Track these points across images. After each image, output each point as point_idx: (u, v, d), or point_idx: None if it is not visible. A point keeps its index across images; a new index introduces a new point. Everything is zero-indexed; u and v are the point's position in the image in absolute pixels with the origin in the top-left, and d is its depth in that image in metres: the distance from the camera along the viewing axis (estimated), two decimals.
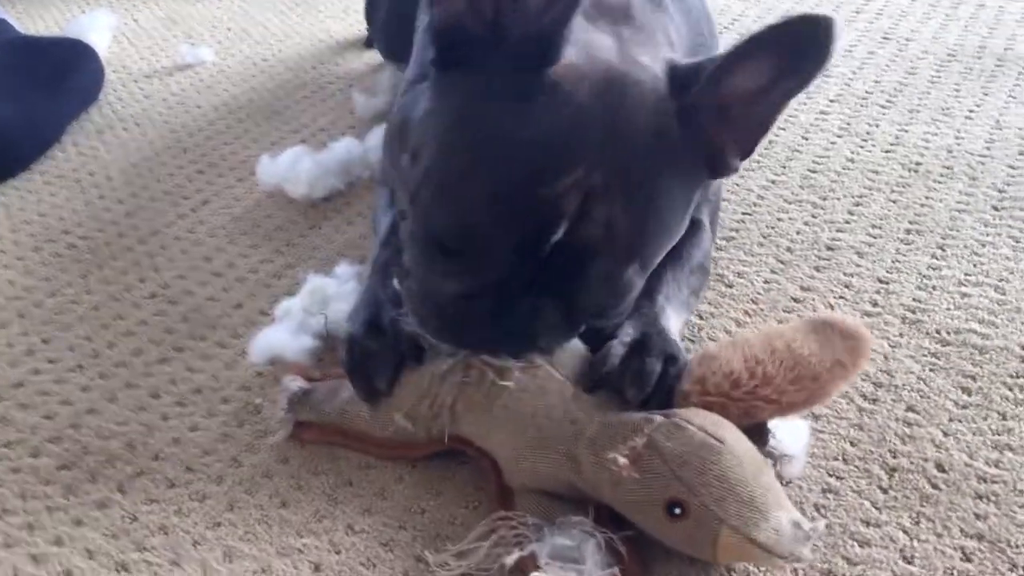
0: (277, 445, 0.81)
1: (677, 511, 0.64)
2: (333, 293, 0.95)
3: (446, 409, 0.75)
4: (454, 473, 0.77)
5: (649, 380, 0.71)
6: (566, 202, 0.68)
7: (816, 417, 0.79)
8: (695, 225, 0.89)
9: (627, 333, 0.76)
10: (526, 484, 0.72)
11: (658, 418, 0.68)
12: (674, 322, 0.82)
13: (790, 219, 1.07)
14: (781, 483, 0.69)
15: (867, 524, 0.69)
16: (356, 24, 1.71)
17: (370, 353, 0.78)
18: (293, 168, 1.20)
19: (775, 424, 0.71)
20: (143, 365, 0.91)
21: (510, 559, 0.66)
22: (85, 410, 0.86)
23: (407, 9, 1.18)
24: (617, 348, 0.74)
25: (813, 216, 1.07)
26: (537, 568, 0.65)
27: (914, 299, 0.93)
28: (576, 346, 0.76)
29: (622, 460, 0.65)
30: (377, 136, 1.26)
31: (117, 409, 0.86)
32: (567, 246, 0.69)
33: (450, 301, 0.72)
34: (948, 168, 1.15)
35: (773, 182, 1.15)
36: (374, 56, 1.59)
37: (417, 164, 0.74)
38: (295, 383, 0.82)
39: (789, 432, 0.73)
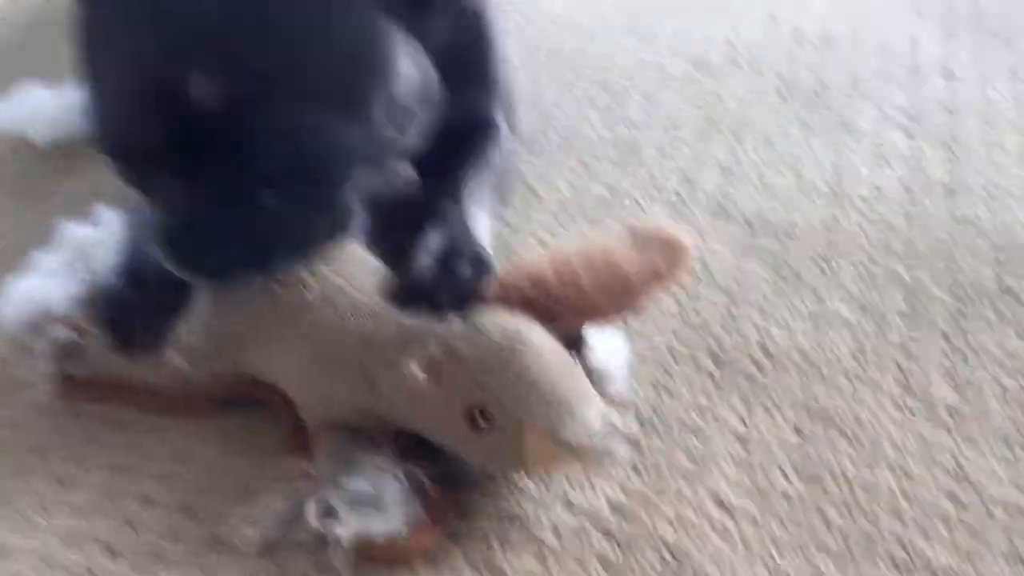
0: (50, 418, 0.70)
1: (480, 421, 0.58)
2: (96, 241, 0.83)
3: (231, 342, 0.66)
4: (258, 425, 0.68)
5: (466, 288, 0.64)
6: (183, 55, 0.59)
7: (641, 320, 0.76)
8: (488, 125, 0.85)
9: (431, 240, 0.69)
10: (323, 418, 0.64)
11: (456, 323, 0.61)
12: (481, 224, 0.75)
13: (589, 122, 1.04)
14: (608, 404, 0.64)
15: (701, 413, 0.67)
16: None
17: (127, 303, 0.69)
18: (31, 109, 1.04)
19: (593, 342, 0.67)
20: None
21: (310, 517, 0.58)
22: None
23: None
24: (425, 257, 0.68)
25: (610, 117, 1.04)
26: (330, 524, 0.58)
27: (716, 188, 0.92)
28: (366, 259, 0.69)
29: (418, 371, 0.59)
30: None
31: None
32: (221, 105, 0.59)
33: (158, 226, 0.64)
34: (732, 61, 1.15)
35: (567, 86, 1.11)
36: None
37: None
38: (58, 332, 0.71)
39: (607, 349, 0.69)
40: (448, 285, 0.65)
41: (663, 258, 0.65)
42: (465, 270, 0.66)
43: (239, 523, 0.60)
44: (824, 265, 0.81)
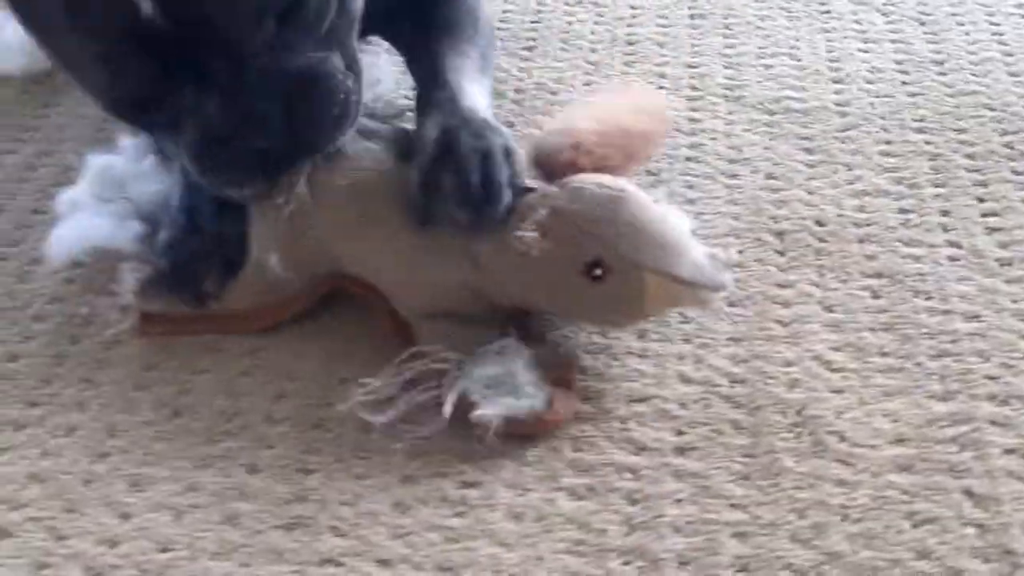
0: (133, 352, 0.68)
1: (597, 272, 0.61)
2: (126, 172, 0.80)
3: (319, 244, 0.66)
4: (348, 328, 0.69)
5: (501, 193, 0.62)
6: None
7: (691, 201, 0.79)
8: None
9: (428, 139, 0.65)
10: (424, 306, 0.65)
11: (552, 188, 0.64)
12: (480, 99, 0.73)
13: (580, 20, 1.04)
14: None
15: (781, 286, 0.71)
16: None
17: (195, 255, 0.68)
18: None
19: None
20: None
21: (447, 404, 0.60)
22: None
23: None
24: (425, 170, 0.64)
25: (600, 15, 1.06)
26: (473, 406, 0.59)
27: (726, 78, 0.95)
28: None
29: (530, 234, 0.61)
30: None
31: None
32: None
33: (192, 146, 0.64)
34: None
35: None
36: None
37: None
38: (135, 272, 0.69)
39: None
40: (489, 191, 0.63)
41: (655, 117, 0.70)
42: (501, 173, 0.63)
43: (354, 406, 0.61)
44: (849, 142, 0.85)
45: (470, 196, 0.62)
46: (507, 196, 0.62)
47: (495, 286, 0.63)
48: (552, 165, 0.65)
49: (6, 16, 1.00)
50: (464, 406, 0.60)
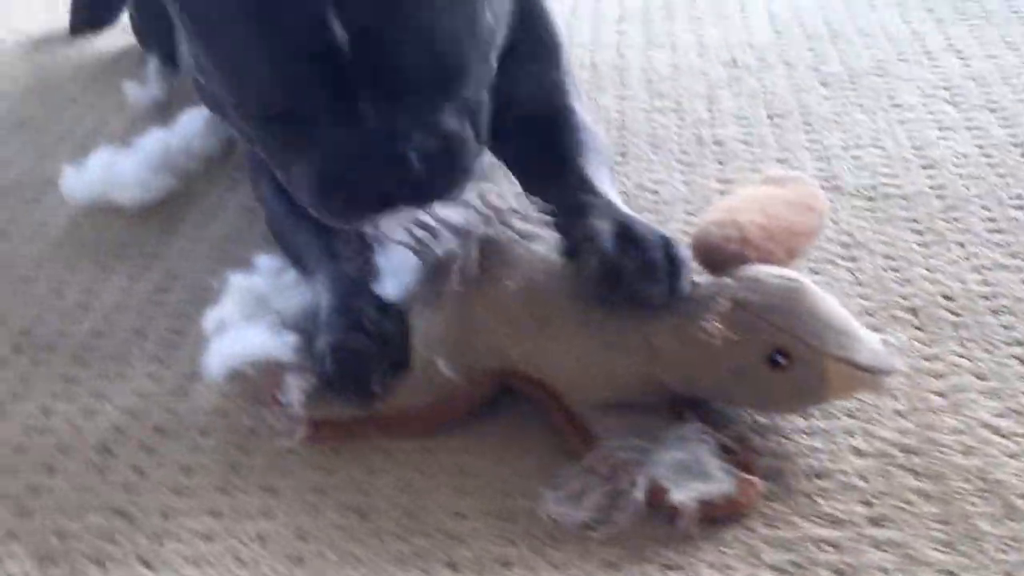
0: (306, 459, 0.69)
1: (780, 361, 0.63)
2: (267, 288, 0.82)
3: (488, 339, 0.68)
4: (515, 425, 0.70)
5: (684, 268, 0.66)
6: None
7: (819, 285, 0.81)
8: (568, 112, 0.88)
9: (601, 231, 0.68)
10: (600, 398, 0.66)
11: (728, 280, 0.66)
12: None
13: (663, 126, 1.09)
14: None
15: (928, 359, 0.73)
16: (47, 18, 1.50)
17: (360, 356, 0.70)
18: (111, 173, 1.02)
19: None
20: (64, 428, 0.74)
21: (639, 491, 0.61)
22: (50, 498, 0.68)
23: None
24: (607, 252, 0.66)
25: (681, 119, 1.11)
26: (664, 492, 0.61)
27: (817, 170, 0.99)
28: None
29: (714, 325, 0.63)
30: (190, 119, 1.11)
31: (78, 495, 0.68)
32: (356, 33, 0.64)
33: (323, 171, 0.69)
34: (760, 60, 1.23)
35: (623, 97, 1.17)
36: (88, 47, 1.42)
37: (205, 76, 0.72)
38: (301, 381, 0.70)
39: None
40: (661, 270, 0.66)
41: (814, 213, 0.73)
42: (660, 255, 0.66)
43: (556, 509, 0.62)
44: (955, 222, 0.88)
45: (657, 270, 0.64)
46: (690, 272, 0.65)
47: (674, 376, 0.65)
48: (717, 257, 0.67)
49: (112, 154, 1.05)
50: (655, 493, 0.61)
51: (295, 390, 0.70)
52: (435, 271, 0.70)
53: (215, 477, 0.68)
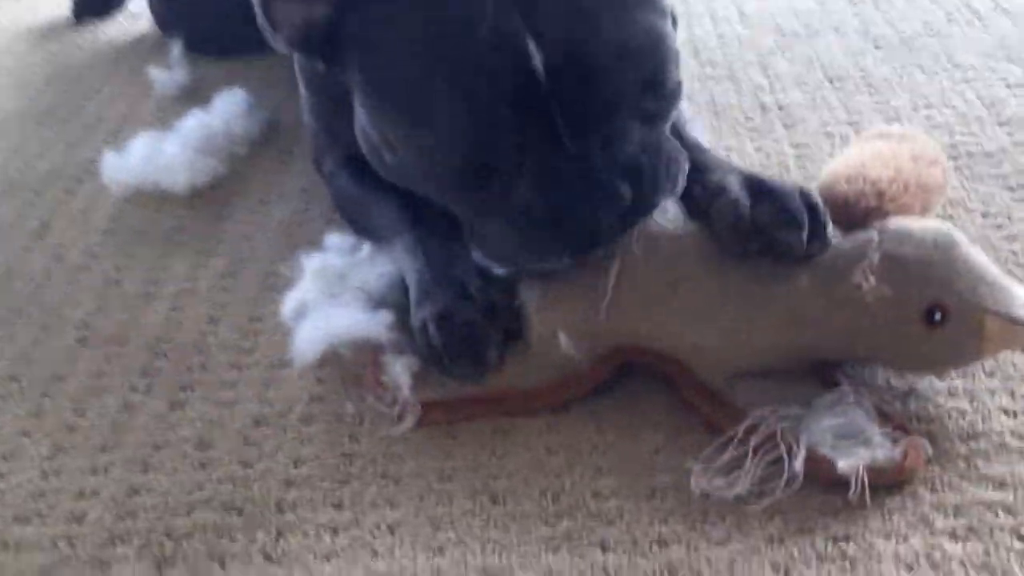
0: (421, 443, 0.65)
1: (937, 316, 0.59)
2: (344, 265, 0.77)
3: (614, 313, 0.64)
4: (624, 405, 0.66)
5: (816, 221, 0.63)
6: (505, 26, 0.60)
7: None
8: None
9: (732, 183, 0.65)
10: (740, 367, 0.63)
11: (874, 233, 0.63)
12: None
13: (722, 93, 1.06)
14: None
15: None
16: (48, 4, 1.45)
17: (473, 325, 0.65)
18: (156, 159, 0.97)
19: None
20: (152, 423, 0.69)
21: (798, 461, 0.58)
22: (150, 497, 0.64)
23: None
24: (742, 201, 0.63)
25: (738, 87, 1.07)
26: (829, 462, 0.58)
27: None
28: (677, 214, 0.67)
29: (868, 281, 0.60)
30: (227, 101, 1.06)
31: (182, 492, 0.64)
32: (555, 58, 0.60)
33: (533, 216, 0.63)
34: (807, 27, 1.20)
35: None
36: (98, 34, 1.36)
37: (395, 150, 0.67)
38: (406, 361, 0.66)
39: None
40: (801, 217, 0.63)
41: (940, 167, 0.69)
42: (796, 203, 0.64)
43: (711, 483, 0.59)
44: None
45: (797, 218, 0.61)
46: (830, 222, 0.62)
47: (821, 338, 0.62)
48: (851, 212, 0.64)
49: (153, 138, 1.00)
50: (817, 462, 0.58)
51: (400, 371, 0.66)
52: None
53: (328, 467, 0.64)
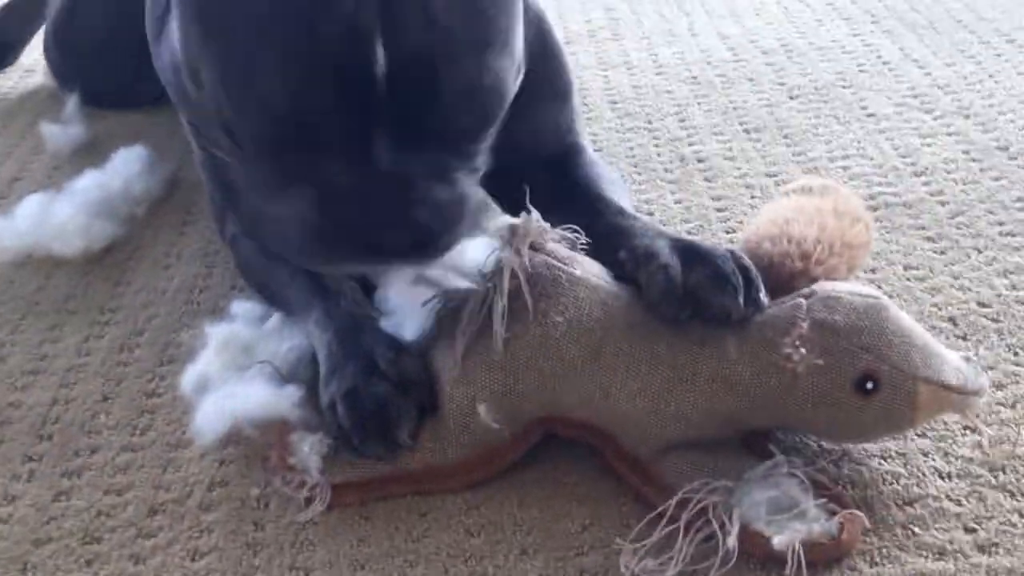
0: (331, 527, 0.60)
1: (869, 385, 0.57)
2: (251, 337, 0.73)
3: (534, 382, 0.60)
4: (547, 478, 0.63)
5: (749, 283, 0.61)
6: (362, 17, 0.56)
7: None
8: (579, 149, 0.82)
9: (661, 248, 0.63)
10: (669, 438, 0.60)
11: (802, 299, 0.60)
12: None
13: (639, 144, 1.05)
14: None
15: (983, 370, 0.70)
16: None
17: (383, 402, 0.61)
18: (47, 222, 0.91)
19: None
20: (33, 516, 0.63)
21: (731, 537, 0.54)
22: None
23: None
24: (673, 266, 0.61)
25: (656, 138, 1.06)
26: (764, 538, 0.55)
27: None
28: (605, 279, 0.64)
29: (798, 352, 0.57)
30: (126, 159, 1.01)
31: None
32: (400, 69, 0.56)
33: (325, 208, 0.60)
34: (722, 76, 1.20)
35: (590, 119, 1.12)
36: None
37: (200, 85, 0.61)
38: (316, 440, 0.62)
39: None
40: (736, 284, 0.61)
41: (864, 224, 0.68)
42: (730, 265, 0.62)
43: (643, 566, 0.55)
44: (964, 228, 0.85)
45: (730, 281, 0.59)
46: (762, 286, 0.60)
47: (751, 408, 0.59)
48: (776, 274, 0.62)
49: (43, 200, 0.94)
50: (751, 538, 0.55)
51: (309, 451, 0.62)
52: (460, 307, 0.63)
53: (230, 560, 0.59)
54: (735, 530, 0.55)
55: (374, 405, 0.61)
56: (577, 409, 0.61)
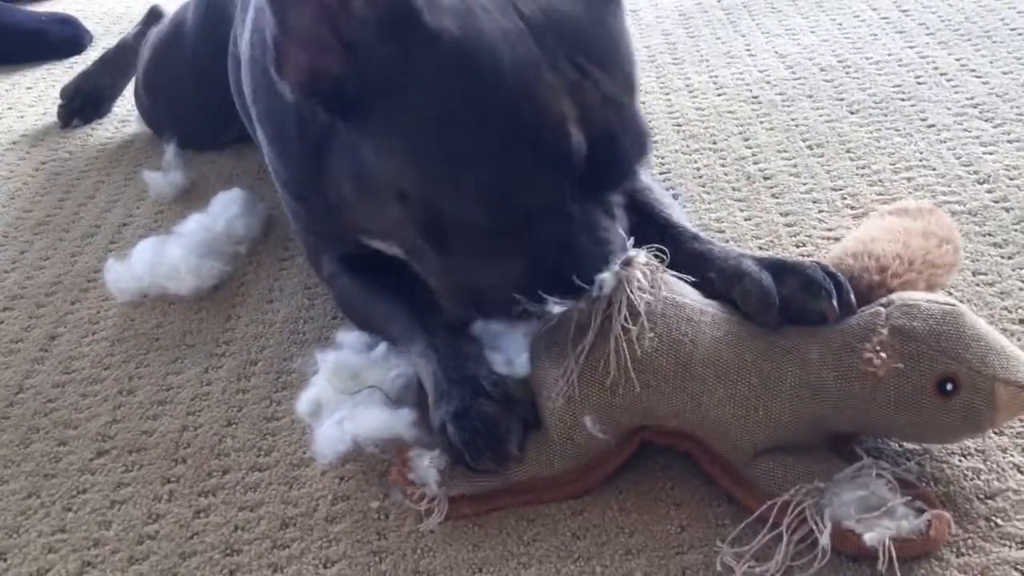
0: (448, 536, 0.66)
1: (949, 387, 0.61)
2: (359, 363, 0.79)
3: (630, 394, 0.65)
4: (645, 483, 0.68)
5: (845, 289, 0.66)
6: (564, 106, 0.66)
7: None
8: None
9: (749, 265, 0.69)
10: (759, 443, 0.64)
11: (880, 308, 0.65)
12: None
13: (706, 165, 1.10)
14: None
15: None
16: (35, 111, 1.45)
17: (490, 419, 0.67)
18: (159, 264, 0.99)
19: None
20: (178, 531, 0.70)
21: (824, 536, 0.59)
22: None
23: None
24: (766, 278, 0.68)
25: (723, 159, 1.11)
26: (856, 536, 0.59)
27: (877, 194, 0.99)
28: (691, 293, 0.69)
29: (879, 357, 0.61)
30: (225, 202, 1.08)
31: None
32: (592, 140, 0.67)
33: (542, 263, 0.68)
34: (782, 95, 1.24)
35: (657, 142, 1.17)
36: (87, 140, 1.37)
37: (408, 201, 0.69)
38: (433, 457, 0.68)
39: None
40: (821, 291, 0.66)
41: (952, 246, 0.72)
42: (819, 273, 0.67)
43: (747, 568, 0.59)
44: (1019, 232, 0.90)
45: (821, 287, 0.65)
46: (851, 289, 0.65)
47: (836, 411, 0.63)
48: (856, 287, 0.66)
49: (155, 243, 1.02)
50: (843, 536, 0.59)
51: (427, 466, 0.67)
52: (561, 329, 0.68)
53: (359, 566, 0.64)
54: (828, 529, 0.59)
55: (482, 423, 0.67)
56: (671, 418, 0.66)
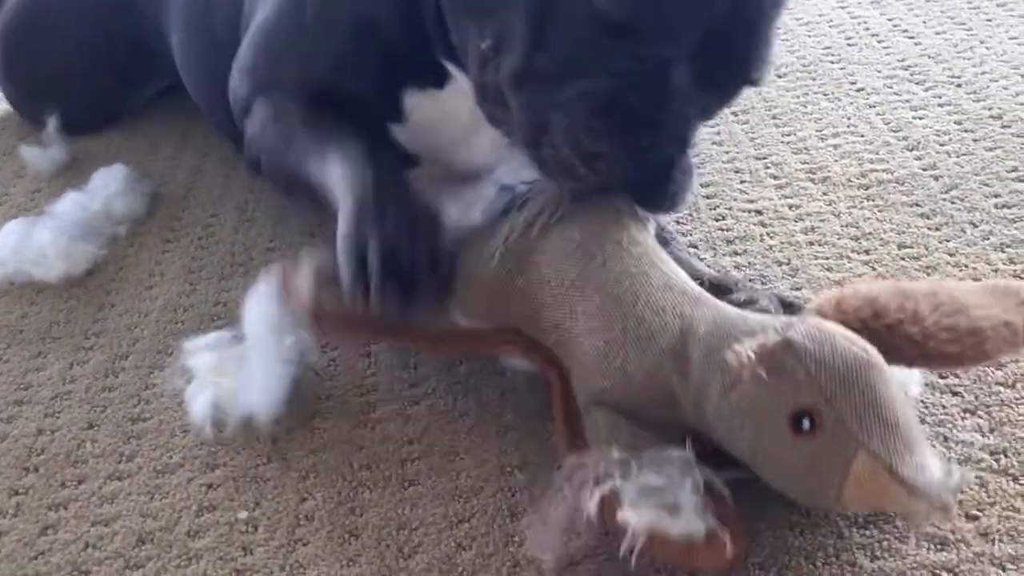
0: (316, 545, 0.59)
1: (806, 424, 0.52)
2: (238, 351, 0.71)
3: (521, 299, 0.63)
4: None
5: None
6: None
7: (838, 283, 0.76)
8: None
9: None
10: (608, 393, 0.58)
11: (795, 319, 0.57)
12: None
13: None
14: None
15: None
16: None
17: (416, 270, 0.63)
18: (27, 247, 0.90)
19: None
20: (20, 551, 0.62)
21: (591, 503, 0.52)
22: None
23: None
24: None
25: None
26: (616, 508, 0.52)
27: (801, 162, 0.93)
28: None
29: (749, 355, 0.53)
30: (106, 178, 1.00)
31: None
32: (735, 12, 0.62)
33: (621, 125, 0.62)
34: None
35: None
36: None
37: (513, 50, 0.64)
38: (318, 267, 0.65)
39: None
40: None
41: (1018, 311, 0.59)
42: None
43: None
44: (959, 202, 0.84)
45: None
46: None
47: (693, 402, 0.56)
48: (846, 319, 0.57)
49: (21, 225, 0.93)
50: (606, 505, 0.52)
51: (305, 275, 0.64)
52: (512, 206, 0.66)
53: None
54: (595, 496, 0.52)
55: (408, 272, 0.62)
56: (550, 332, 0.62)
